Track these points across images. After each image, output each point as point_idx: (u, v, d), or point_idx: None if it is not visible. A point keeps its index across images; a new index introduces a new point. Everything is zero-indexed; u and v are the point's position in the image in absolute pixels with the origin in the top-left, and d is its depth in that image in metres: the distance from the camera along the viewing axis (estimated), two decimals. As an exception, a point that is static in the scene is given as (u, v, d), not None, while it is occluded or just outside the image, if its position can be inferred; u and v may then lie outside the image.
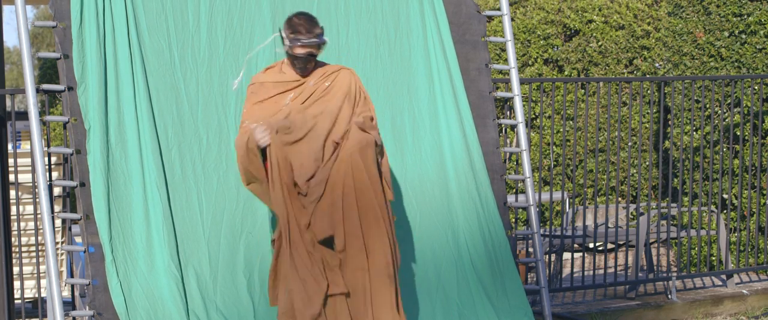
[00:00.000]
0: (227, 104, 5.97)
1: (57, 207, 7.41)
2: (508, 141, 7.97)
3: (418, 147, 6.35)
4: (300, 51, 5.36)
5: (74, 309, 6.07)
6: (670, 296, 7.91)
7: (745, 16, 9.70)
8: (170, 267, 5.66)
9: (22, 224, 8.28)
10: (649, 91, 10.40)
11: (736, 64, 9.74)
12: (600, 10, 11.50)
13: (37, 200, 6.01)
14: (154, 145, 5.75)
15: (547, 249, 8.30)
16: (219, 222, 5.88)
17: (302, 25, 5.35)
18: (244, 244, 5.91)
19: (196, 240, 5.81)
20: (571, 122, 11.18)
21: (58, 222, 7.69)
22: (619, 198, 10.34)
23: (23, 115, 8.05)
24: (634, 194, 10.18)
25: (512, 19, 11.48)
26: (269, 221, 5.95)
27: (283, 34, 5.39)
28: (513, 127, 8.70)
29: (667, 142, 9.96)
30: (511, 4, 12.02)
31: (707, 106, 9.29)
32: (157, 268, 5.66)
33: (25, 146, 8.78)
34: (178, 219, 5.78)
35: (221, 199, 5.89)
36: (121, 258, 5.62)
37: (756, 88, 8.83)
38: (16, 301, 6.79)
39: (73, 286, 6.16)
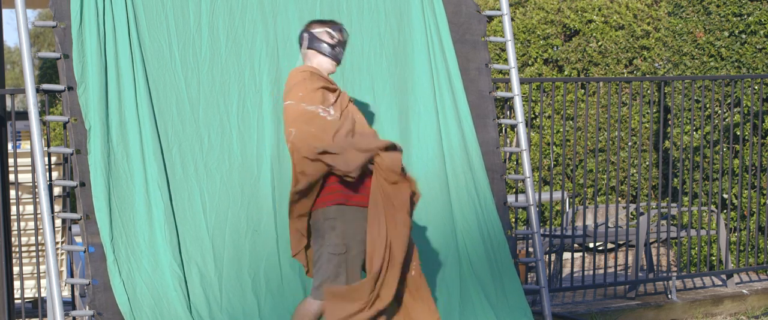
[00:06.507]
0: (229, 104, 5.96)
1: (57, 207, 7.41)
2: (508, 141, 7.97)
3: (419, 146, 6.35)
4: (338, 35, 5.45)
5: (74, 309, 6.07)
6: (670, 296, 7.91)
7: (745, 16, 9.70)
8: (173, 266, 5.66)
9: (22, 224, 8.28)
10: (649, 91, 10.40)
11: (736, 64, 9.74)
12: (600, 10, 11.50)
13: (37, 200, 6.01)
14: (155, 144, 5.75)
15: (547, 249, 8.30)
16: (223, 221, 5.87)
17: (328, 21, 5.53)
18: (250, 243, 5.90)
19: (199, 240, 5.81)
20: (571, 122, 11.18)
21: (58, 222, 7.69)
22: (619, 198, 10.34)
23: (23, 115, 8.05)
24: (634, 194, 10.18)
25: (512, 19, 11.48)
26: (274, 220, 5.94)
27: (313, 32, 5.43)
28: (513, 127, 8.70)
29: (667, 142, 9.96)
30: (511, 4, 12.02)
31: (707, 106, 9.28)
32: (162, 267, 5.67)
33: (25, 146, 8.78)
34: (180, 218, 5.78)
35: (224, 198, 5.89)
36: (124, 257, 5.62)
37: (756, 88, 8.83)
38: (16, 301, 6.79)
39: (73, 286, 6.16)
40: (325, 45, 5.40)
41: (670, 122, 9.90)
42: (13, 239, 7.18)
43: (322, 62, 5.43)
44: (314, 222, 5.29)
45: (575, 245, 9.91)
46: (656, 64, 11.03)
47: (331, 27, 5.43)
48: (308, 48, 5.44)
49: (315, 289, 5.26)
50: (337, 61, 5.44)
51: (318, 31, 5.42)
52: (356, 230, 5.21)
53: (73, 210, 6.68)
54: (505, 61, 10.92)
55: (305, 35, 5.45)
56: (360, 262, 5.25)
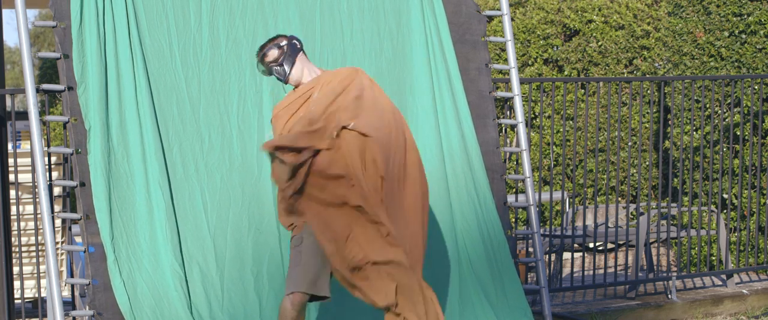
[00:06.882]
0: (229, 103, 5.97)
1: (57, 207, 7.40)
2: (508, 141, 7.97)
3: (419, 146, 6.34)
4: (261, 68, 5.42)
5: (74, 309, 6.07)
6: (670, 296, 7.91)
7: (745, 16, 9.70)
8: (173, 266, 5.66)
9: (22, 224, 8.28)
10: (649, 91, 10.40)
11: (736, 64, 9.74)
12: (600, 10, 11.50)
13: (37, 200, 6.01)
14: (155, 144, 5.75)
15: (547, 249, 8.30)
16: (224, 220, 5.88)
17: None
18: (252, 242, 5.90)
19: (201, 239, 5.81)
20: (571, 122, 11.18)
21: (58, 222, 7.69)
22: (619, 198, 10.34)
23: (23, 115, 8.05)
24: (634, 194, 10.18)
25: (512, 19, 11.48)
26: (275, 219, 5.94)
27: None
28: (513, 127, 8.70)
29: (667, 142, 9.96)
30: (511, 4, 12.02)
31: (707, 106, 9.28)
32: (163, 267, 5.67)
33: (25, 146, 8.78)
34: (182, 218, 5.78)
35: (225, 198, 5.89)
36: (125, 257, 5.62)
37: (756, 88, 8.83)
38: (16, 301, 6.79)
39: (73, 286, 6.16)
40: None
41: (670, 122, 9.90)
42: (13, 239, 7.17)
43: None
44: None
45: (575, 245, 9.91)
46: (656, 64, 11.03)
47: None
48: None
49: (286, 284, 5.32)
50: (282, 80, 5.40)
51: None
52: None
53: (73, 210, 6.68)
54: (505, 61, 10.92)
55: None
56: (314, 253, 5.22)
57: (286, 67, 5.33)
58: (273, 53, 5.35)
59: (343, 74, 5.34)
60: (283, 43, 5.35)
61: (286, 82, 5.36)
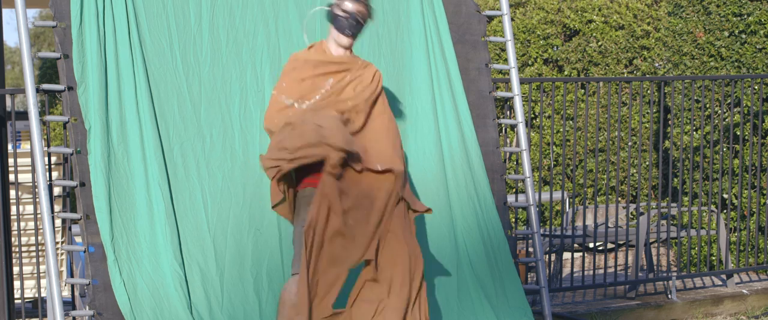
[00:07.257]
0: (231, 103, 5.96)
1: (57, 207, 7.41)
2: (508, 141, 7.97)
3: (418, 146, 6.35)
4: (349, 5, 5.40)
5: (74, 309, 6.07)
6: (670, 296, 7.91)
7: (745, 16, 9.70)
8: (174, 265, 5.66)
9: (22, 224, 8.28)
10: (649, 91, 10.40)
11: (736, 64, 9.74)
12: (600, 10, 11.51)
13: (37, 200, 6.01)
14: (156, 144, 5.75)
15: (547, 249, 8.30)
16: (225, 220, 5.87)
17: None
18: (252, 242, 5.90)
19: (201, 239, 5.80)
20: (571, 122, 11.18)
21: (58, 222, 7.69)
22: (619, 198, 10.34)
23: (23, 115, 8.05)
24: (634, 194, 10.18)
25: (512, 19, 11.48)
26: (277, 219, 5.94)
27: (334, 2, 5.45)
28: (513, 127, 8.70)
29: (667, 142, 9.96)
30: (511, 4, 12.02)
31: (707, 105, 9.29)
32: (163, 267, 5.66)
33: (25, 146, 8.78)
34: (182, 217, 5.78)
35: (227, 197, 5.89)
36: (125, 257, 5.62)
37: (756, 88, 8.83)
38: (16, 301, 6.79)
39: (73, 286, 6.16)
40: (338, 17, 5.42)
41: (670, 122, 9.90)
42: (13, 239, 7.17)
43: (335, 36, 5.45)
44: (297, 200, 5.43)
45: (575, 245, 9.91)
46: (656, 64, 11.03)
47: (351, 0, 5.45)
48: (328, 21, 5.50)
49: (292, 266, 5.37)
50: (347, 33, 5.42)
51: (338, 2, 5.44)
52: None
53: (73, 210, 6.67)
54: (505, 61, 10.92)
55: (328, 8, 5.49)
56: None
57: (356, 33, 5.44)
58: (367, 13, 5.43)
59: (374, 78, 5.45)
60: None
61: (346, 36, 5.42)
